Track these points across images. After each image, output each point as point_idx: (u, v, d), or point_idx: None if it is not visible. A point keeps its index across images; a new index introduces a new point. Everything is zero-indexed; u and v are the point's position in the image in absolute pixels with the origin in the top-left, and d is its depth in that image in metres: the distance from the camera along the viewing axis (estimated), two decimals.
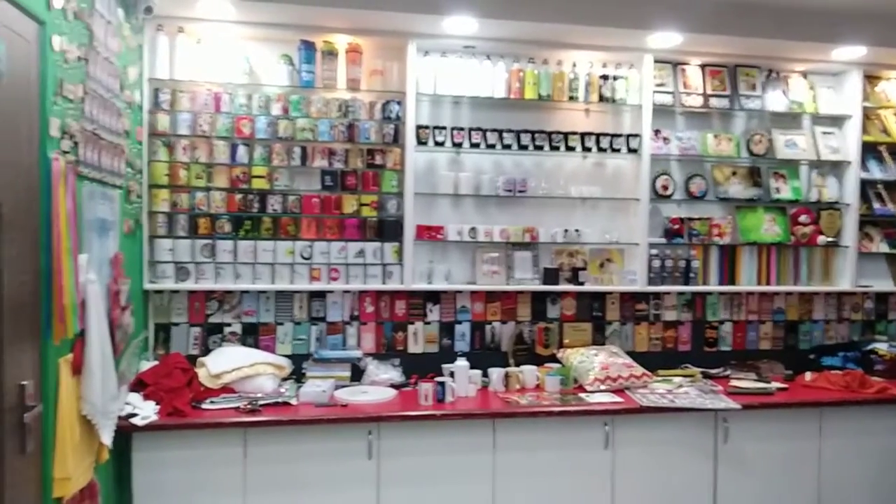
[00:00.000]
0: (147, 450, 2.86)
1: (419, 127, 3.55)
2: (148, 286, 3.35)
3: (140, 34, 3.23)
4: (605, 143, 3.76)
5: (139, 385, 3.06)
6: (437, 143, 3.60)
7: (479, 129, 3.63)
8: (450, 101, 3.68)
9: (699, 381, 3.71)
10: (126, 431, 2.78)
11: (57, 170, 2.15)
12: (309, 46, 3.44)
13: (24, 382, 2.02)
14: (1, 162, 1.90)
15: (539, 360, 3.75)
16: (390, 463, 3.05)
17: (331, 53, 3.48)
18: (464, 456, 3.11)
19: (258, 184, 3.44)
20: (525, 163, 3.80)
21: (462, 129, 3.62)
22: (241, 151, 3.42)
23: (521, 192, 3.69)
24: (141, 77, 3.26)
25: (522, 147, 3.68)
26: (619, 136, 3.78)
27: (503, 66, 3.65)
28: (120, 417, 2.71)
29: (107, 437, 2.52)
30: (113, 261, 2.77)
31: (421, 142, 3.56)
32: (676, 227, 3.87)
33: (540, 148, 3.70)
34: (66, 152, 2.27)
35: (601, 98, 3.75)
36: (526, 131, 3.68)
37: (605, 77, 3.75)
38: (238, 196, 3.43)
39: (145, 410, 2.87)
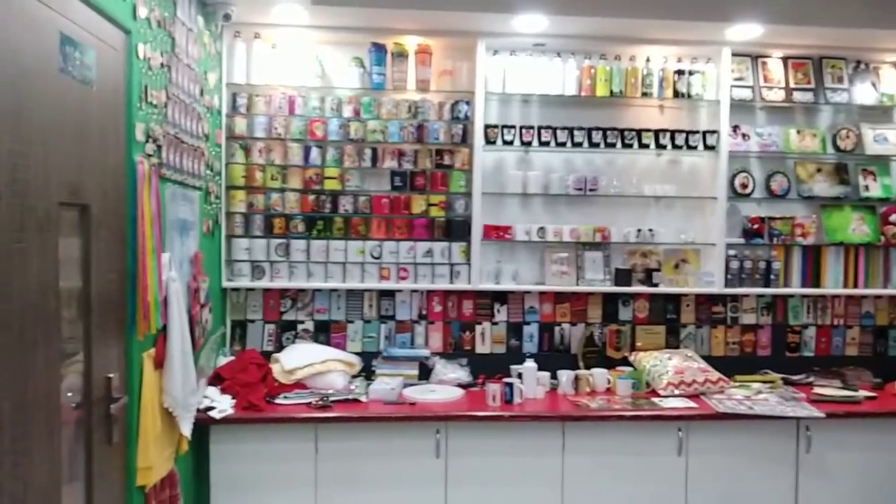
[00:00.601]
0: (223, 442, 2.96)
1: (488, 126, 3.54)
2: (225, 284, 3.47)
3: (219, 41, 3.34)
4: (680, 139, 3.65)
5: (217, 379, 3.17)
6: (506, 142, 3.58)
7: (548, 127, 3.59)
8: (519, 99, 3.65)
9: (780, 387, 3.55)
10: (204, 424, 2.88)
11: (142, 172, 2.26)
12: (379, 49, 3.49)
13: (111, 375, 2.13)
14: (91, 165, 2.00)
15: (610, 363, 3.67)
16: (458, 462, 3.05)
17: (401, 55, 3.51)
18: (532, 458, 3.08)
19: (330, 185, 3.51)
20: (596, 161, 3.73)
21: (531, 127, 3.59)
22: (314, 153, 3.50)
23: (591, 190, 3.63)
24: (220, 82, 3.37)
25: (593, 145, 3.62)
26: (696, 132, 3.66)
27: (574, 63, 3.60)
28: (198, 410, 2.82)
29: (186, 429, 2.63)
30: (193, 259, 2.88)
31: (489, 141, 3.55)
32: (756, 226, 3.71)
33: (612, 145, 3.63)
34: (150, 155, 2.38)
35: (676, 94, 3.64)
36: (597, 129, 3.61)
37: (680, 72, 3.64)
38: (311, 197, 3.51)
39: (222, 404, 2.98)
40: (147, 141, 2.36)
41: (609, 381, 3.48)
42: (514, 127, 3.58)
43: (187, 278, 2.79)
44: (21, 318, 1.64)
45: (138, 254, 2.24)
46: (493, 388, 3.18)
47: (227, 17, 3.16)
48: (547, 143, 3.59)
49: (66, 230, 1.87)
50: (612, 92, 3.60)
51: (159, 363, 2.45)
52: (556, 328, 3.75)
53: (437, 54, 3.57)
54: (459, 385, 3.43)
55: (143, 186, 2.26)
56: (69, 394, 1.93)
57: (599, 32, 3.47)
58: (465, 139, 3.55)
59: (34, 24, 1.69)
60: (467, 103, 3.54)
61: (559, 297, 3.74)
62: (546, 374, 3.42)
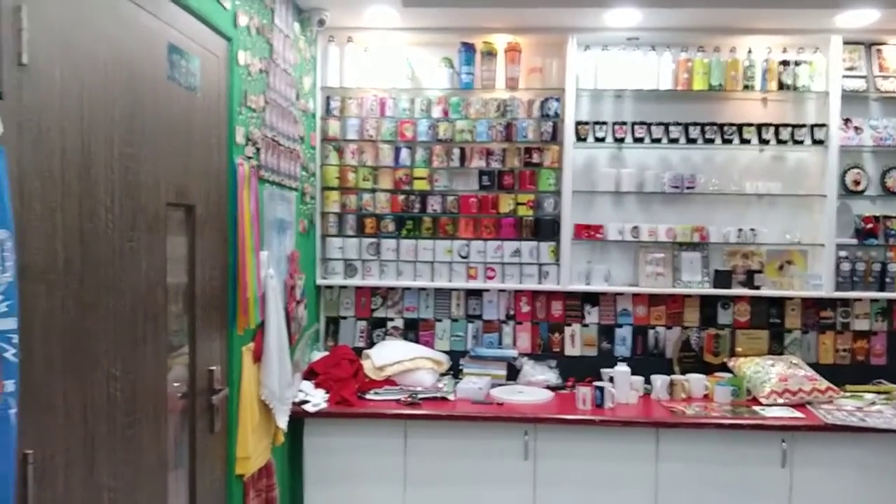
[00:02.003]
0: (317, 435, 3.05)
1: (578, 123, 3.47)
2: (320, 281, 3.57)
3: (313, 45, 3.44)
4: (785, 134, 3.45)
5: (311, 374, 3.27)
6: (598, 139, 3.50)
7: (642, 123, 3.48)
8: (611, 95, 3.56)
9: None
10: (299, 417, 2.98)
11: (242, 174, 2.35)
12: (469, 48, 3.49)
13: (213, 367, 2.23)
14: (196, 167, 2.11)
15: (707, 369, 3.51)
16: (547, 464, 3.01)
17: (490, 54, 3.50)
18: (624, 464, 3.00)
19: (419, 185, 3.55)
20: (693, 157, 3.59)
21: (624, 123, 3.49)
22: (404, 154, 3.54)
23: (689, 188, 3.49)
24: (314, 86, 3.47)
25: (691, 141, 3.48)
26: (802, 126, 3.45)
27: (669, 57, 3.47)
28: (294, 403, 2.92)
29: (282, 421, 2.72)
30: (290, 258, 2.99)
31: (580, 138, 3.48)
32: (870, 226, 3.46)
33: (710, 141, 3.48)
34: (249, 158, 2.48)
35: (781, 86, 3.44)
36: (695, 124, 3.47)
37: (785, 63, 3.44)
38: (401, 197, 3.56)
39: (316, 398, 3.06)
40: (247, 144, 2.46)
41: (706, 388, 3.33)
42: (605, 123, 3.49)
43: (284, 276, 2.89)
44: (132, 313, 1.75)
45: (238, 252, 2.34)
46: (584, 392, 3.12)
47: (321, 22, 3.25)
48: (641, 140, 3.49)
49: (173, 229, 1.98)
50: (710, 85, 3.45)
51: (257, 357, 2.55)
52: (651, 331, 3.63)
53: (527, 52, 3.53)
54: (548, 387, 3.38)
55: (243, 187, 2.35)
56: (175, 384, 2.04)
57: (697, 24, 3.33)
58: (555, 137, 3.50)
59: (145, 35, 1.80)
60: (557, 100, 3.49)
61: (654, 299, 3.61)
62: (639, 379, 3.31)
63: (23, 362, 1.28)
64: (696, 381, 3.34)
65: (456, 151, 3.53)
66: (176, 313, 2.03)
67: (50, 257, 1.42)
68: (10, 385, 1.25)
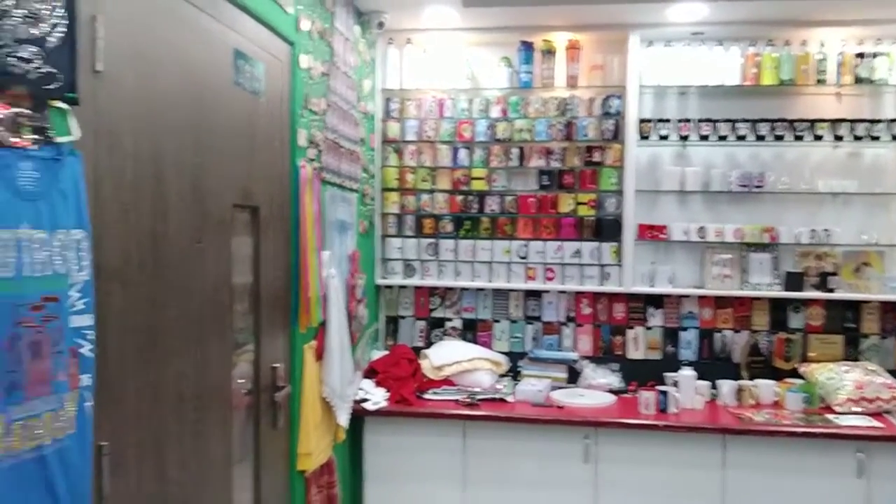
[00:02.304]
0: (377, 433, 3.08)
1: (641, 121, 3.39)
2: (379, 281, 3.61)
3: (373, 48, 3.48)
4: (861, 130, 3.29)
5: (371, 372, 3.30)
6: (661, 137, 3.41)
7: (708, 120, 3.38)
8: (675, 92, 3.47)
9: None
10: (359, 415, 3.01)
11: (304, 176, 2.40)
12: (528, 47, 3.46)
13: (276, 365, 2.28)
14: (260, 170, 2.16)
15: (777, 375, 3.38)
16: (608, 469, 2.96)
17: (549, 52, 3.47)
18: (689, 471, 2.92)
19: (477, 185, 3.54)
20: (762, 154, 3.46)
21: (689, 120, 3.39)
22: (462, 154, 3.54)
23: (757, 187, 3.37)
24: (374, 88, 3.51)
25: (759, 138, 3.35)
26: (880, 121, 3.28)
27: (737, 51, 3.36)
28: (354, 401, 2.96)
29: (343, 419, 2.76)
30: (350, 258, 3.03)
31: (643, 136, 3.40)
32: None
33: (780, 138, 3.35)
34: (311, 160, 2.52)
35: (857, 80, 3.28)
36: (763, 120, 3.34)
37: (861, 55, 3.28)
38: (459, 197, 3.56)
39: (376, 396, 3.10)
40: (309, 146, 2.50)
41: (776, 394, 3.21)
42: (669, 121, 3.41)
43: (345, 275, 2.93)
44: (200, 311, 1.80)
45: (301, 252, 2.39)
46: (647, 396, 3.05)
47: (380, 24, 3.29)
48: (706, 137, 3.38)
49: (238, 230, 2.03)
50: (780, 80, 3.32)
51: (319, 355, 2.59)
52: (717, 335, 3.51)
53: (587, 49, 3.48)
54: (610, 391, 3.32)
55: (306, 189, 2.40)
56: (240, 381, 2.09)
57: (766, 17, 3.21)
58: (617, 135, 3.44)
59: (212, 41, 1.85)
60: (619, 98, 3.42)
61: (721, 302, 3.50)
62: (705, 384, 3.22)
63: (98, 358, 1.34)
64: (765, 388, 3.22)
65: (515, 151, 3.50)
66: (241, 312, 2.08)
67: (124, 257, 1.48)
68: (86, 379, 1.31)
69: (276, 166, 2.28)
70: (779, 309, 3.48)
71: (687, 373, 3.18)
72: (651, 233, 3.43)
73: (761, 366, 3.45)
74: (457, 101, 3.56)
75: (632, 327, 3.56)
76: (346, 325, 2.78)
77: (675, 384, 3.16)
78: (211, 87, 1.84)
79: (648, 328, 3.56)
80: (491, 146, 3.53)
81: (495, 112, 3.53)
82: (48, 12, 1.23)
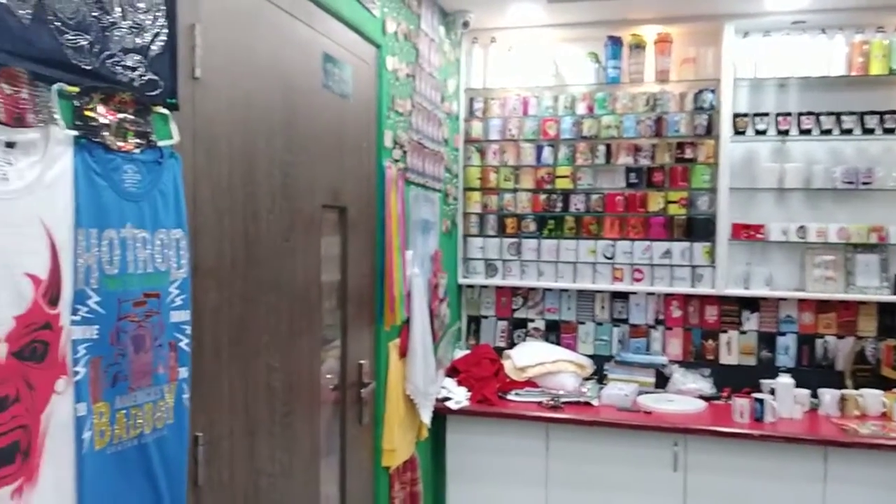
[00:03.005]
0: (459, 432, 3.09)
1: (736, 115, 3.24)
2: (461, 281, 3.62)
3: (458, 48, 3.49)
4: None
5: (453, 371, 3.31)
6: (758, 132, 3.25)
7: (810, 113, 3.18)
8: (773, 84, 3.29)
9: None
10: (442, 413, 3.03)
11: (390, 177, 2.43)
12: (616, 42, 3.37)
13: (362, 362, 2.32)
14: (348, 171, 2.20)
15: (886, 384, 3.15)
16: (698, 478, 2.85)
17: (638, 46, 3.36)
18: (786, 484, 2.76)
19: (562, 184, 3.49)
20: (870, 149, 3.23)
21: (789, 114, 3.21)
22: (546, 152, 3.50)
23: (864, 183, 3.14)
24: (458, 88, 3.52)
25: (867, 131, 3.13)
26: None
27: (842, 40, 3.15)
28: (437, 400, 2.97)
29: (426, 417, 2.78)
30: (433, 257, 3.05)
31: (738, 131, 3.24)
32: None
33: (890, 131, 3.12)
34: (396, 161, 2.55)
35: None
36: (872, 112, 3.12)
37: None
38: (542, 196, 3.51)
39: (458, 395, 3.10)
40: (394, 147, 2.54)
41: (884, 405, 2.99)
42: (767, 115, 3.23)
43: (428, 274, 2.95)
44: (290, 308, 1.86)
45: (386, 251, 2.42)
46: (741, 403, 2.91)
47: (465, 24, 3.29)
48: (808, 132, 3.19)
49: (326, 230, 2.08)
50: (891, 69, 3.09)
51: (403, 353, 2.62)
52: (818, 341, 3.31)
53: (678, 42, 3.36)
54: (701, 397, 3.19)
55: (391, 189, 2.43)
56: (328, 376, 2.14)
57: (875, 2, 2.99)
58: (710, 130, 3.30)
59: (302, 45, 1.90)
60: (712, 92, 3.28)
61: (822, 306, 3.29)
62: (805, 392, 3.03)
63: (194, 352, 1.40)
64: (871, 397, 3.01)
65: (601, 148, 3.42)
66: (329, 309, 2.13)
67: (219, 256, 1.54)
68: (183, 372, 1.37)
69: (363, 167, 2.32)
70: (888, 313, 3.23)
71: (785, 380, 3.01)
72: (746, 232, 3.26)
73: (867, 374, 3.22)
74: (541, 98, 3.51)
75: (725, 331, 3.41)
76: (429, 324, 2.80)
77: (772, 392, 3.00)
78: (301, 91, 1.89)
79: (743, 332, 3.39)
80: (576, 144, 3.47)
81: (581, 109, 3.46)
82: (151, 22, 1.29)
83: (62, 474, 1.11)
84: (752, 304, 3.37)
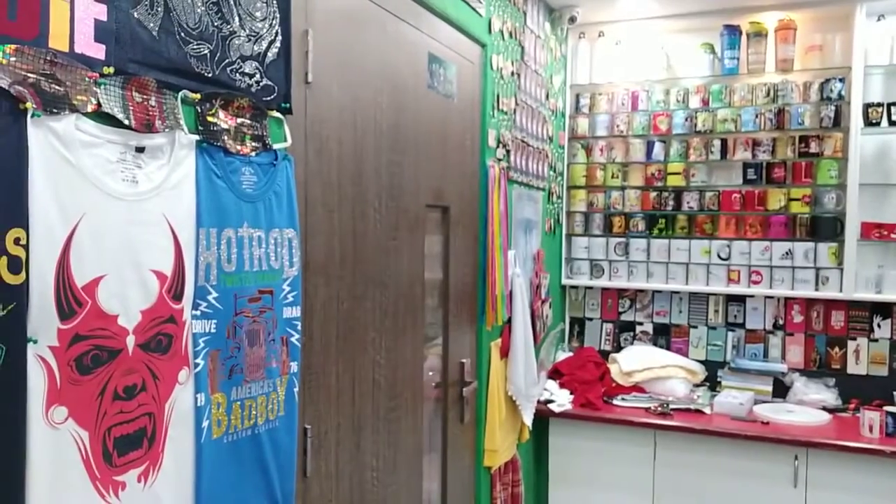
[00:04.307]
0: (561, 435, 3.03)
1: (868, 105, 2.99)
2: (565, 281, 3.55)
3: (564, 44, 3.42)
4: None
5: (556, 374, 3.26)
6: (893, 123, 2.98)
7: None
8: None
9: None
10: (544, 416, 2.99)
11: (493, 176, 2.42)
12: (733, 31, 3.20)
13: (464, 360, 2.33)
14: (451, 171, 2.21)
15: None
16: (821, 496, 2.66)
17: (758, 35, 3.17)
18: None
19: (673, 181, 3.34)
20: None
21: None
22: (657, 148, 3.37)
23: None
24: (564, 84, 3.46)
25: None
26: None
27: None
28: (539, 402, 2.94)
29: (528, 418, 2.75)
30: (535, 257, 3.01)
31: (870, 123, 2.99)
32: None
33: None
34: (500, 160, 2.54)
35: None
36: None
37: None
38: (653, 194, 3.39)
39: (561, 398, 3.05)
40: (498, 146, 2.52)
41: None
42: None
43: (530, 274, 2.92)
44: (395, 306, 1.89)
45: (488, 250, 2.41)
46: (871, 417, 2.68)
47: (572, 19, 3.22)
48: None
49: (430, 229, 2.10)
50: None
51: (504, 353, 2.61)
52: None
53: (803, 29, 3.13)
54: (824, 408, 2.97)
55: (494, 188, 2.42)
56: (430, 373, 2.16)
57: None
58: (838, 122, 3.06)
59: (409, 47, 1.93)
60: (841, 80, 3.04)
61: None
62: None
63: (304, 346, 1.45)
64: None
65: (716, 143, 3.26)
66: (431, 307, 2.15)
67: (328, 254, 1.59)
68: (294, 366, 1.42)
69: (466, 166, 2.32)
70: None
71: None
72: (879, 232, 3.00)
73: None
74: (651, 92, 3.39)
75: (853, 338, 3.15)
76: (531, 325, 2.76)
77: None
78: (407, 92, 1.91)
79: (874, 340, 3.12)
80: (689, 139, 3.32)
81: (695, 102, 3.30)
82: (267, 30, 1.35)
83: (182, 460, 1.18)
84: (885, 309, 3.10)
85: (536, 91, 2.95)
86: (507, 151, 2.62)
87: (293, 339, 1.41)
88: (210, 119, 1.22)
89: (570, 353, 3.45)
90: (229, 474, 1.27)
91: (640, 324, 3.52)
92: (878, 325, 3.12)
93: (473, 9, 2.26)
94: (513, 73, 2.65)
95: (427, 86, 2.02)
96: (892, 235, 2.99)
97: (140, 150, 1.09)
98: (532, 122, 2.90)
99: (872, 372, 3.13)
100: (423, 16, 1.98)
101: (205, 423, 1.21)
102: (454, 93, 2.19)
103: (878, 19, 2.99)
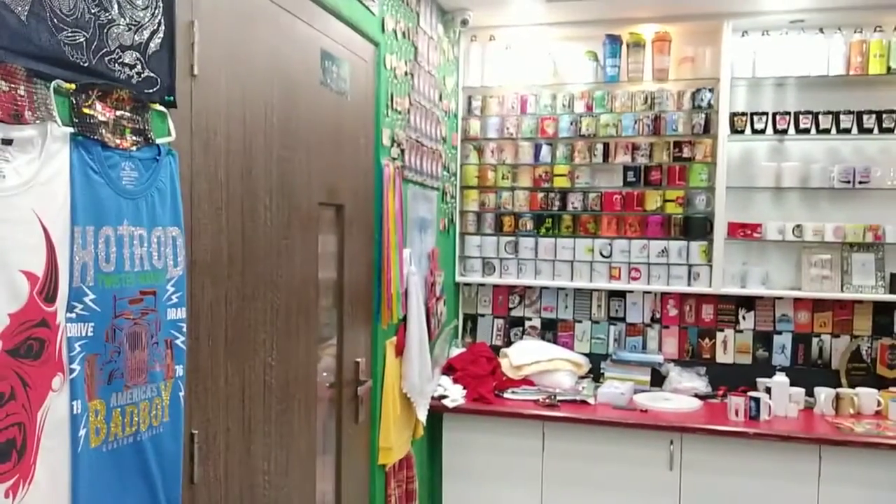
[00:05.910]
0: (455, 430, 3.09)
1: (734, 114, 3.24)
2: (458, 279, 3.62)
3: (456, 46, 3.48)
4: None
5: (449, 369, 3.31)
6: (756, 131, 3.25)
7: (808, 112, 3.19)
8: (771, 83, 3.29)
9: None
10: (438, 412, 3.03)
11: (387, 174, 2.43)
12: (614, 40, 3.37)
13: (359, 360, 2.32)
14: (345, 169, 2.20)
15: (881, 383, 3.16)
16: (693, 477, 2.86)
17: (637, 45, 3.36)
18: (780, 483, 2.77)
19: (559, 182, 3.49)
20: (868, 149, 3.23)
21: (786, 113, 3.21)
22: (545, 151, 3.49)
23: (861, 182, 3.15)
24: (456, 86, 3.51)
25: (864, 130, 3.14)
26: None
27: (840, 39, 3.15)
28: (433, 398, 2.97)
29: (422, 415, 2.79)
30: (430, 255, 3.05)
31: (736, 130, 3.25)
32: None
33: (888, 130, 3.12)
34: (394, 159, 2.55)
35: None
36: (869, 112, 3.12)
37: None
38: (540, 195, 3.51)
39: (454, 393, 3.10)
40: (392, 145, 2.53)
41: (879, 404, 3.00)
42: (765, 114, 3.24)
43: (425, 273, 2.95)
44: (287, 306, 1.86)
45: (383, 249, 2.42)
46: (737, 402, 2.92)
47: (464, 22, 3.28)
48: (806, 131, 3.20)
49: (323, 228, 2.08)
50: (889, 68, 3.09)
51: (399, 351, 2.62)
52: (814, 339, 3.32)
53: (677, 41, 3.36)
54: (696, 395, 3.20)
55: (388, 187, 2.43)
56: (324, 374, 2.14)
57: (873, 1, 3.00)
58: (708, 129, 3.30)
59: (301, 42, 1.90)
60: (710, 91, 3.28)
61: (819, 305, 3.30)
62: (800, 391, 3.05)
63: (190, 349, 1.40)
64: (866, 396, 3.02)
65: (599, 147, 3.43)
66: (326, 307, 2.13)
67: (216, 253, 1.54)
68: (179, 370, 1.37)
69: (361, 165, 2.32)
70: (883, 313, 3.25)
71: (780, 379, 3.02)
72: (743, 231, 3.27)
73: (863, 373, 3.24)
74: (539, 97, 3.51)
75: (721, 330, 3.42)
76: (426, 322, 2.80)
77: (768, 390, 3.01)
78: (299, 87, 1.89)
79: (739, 331, 3.40)
80: (574, 142, 3.47)
81: (580, 107, 3.46)
82: (148, 19, 1.29)
83: (57, 472, 1.11)
84: (749, 302, 3.38)
85: (430, 92, 2.98)
86: (402, 151, 2.63)
87: (178, 342, 1.36)
88: (86, 111, 1.16)
89: (464, 349, 3.51)
90: (109, 484, 1.20)
91: (529, 319, 3.64)
92: (743, 318, 3.40)
93: (366, 7, 2.26)
94: (406, 73, 2.67)
95: (320, 82, 2.00)
96: (755, 234, 3.26)
97: (7, 142, 1.02)
98: (426, 122, 2.93)
99: (738, 360, 3.40)
100: (315, 12, 1.96)
101: (82, 432, 1.14)
102: (347, 90, 2.18)
103: (742, 35, 3.25)
